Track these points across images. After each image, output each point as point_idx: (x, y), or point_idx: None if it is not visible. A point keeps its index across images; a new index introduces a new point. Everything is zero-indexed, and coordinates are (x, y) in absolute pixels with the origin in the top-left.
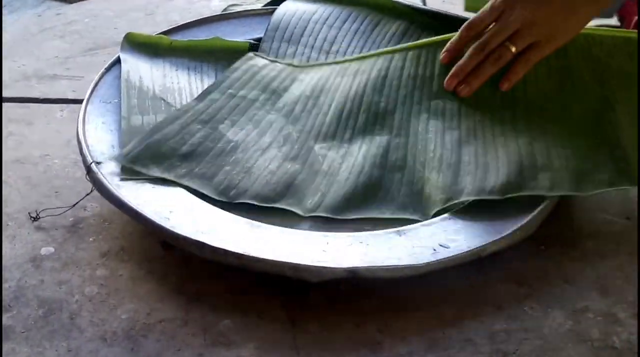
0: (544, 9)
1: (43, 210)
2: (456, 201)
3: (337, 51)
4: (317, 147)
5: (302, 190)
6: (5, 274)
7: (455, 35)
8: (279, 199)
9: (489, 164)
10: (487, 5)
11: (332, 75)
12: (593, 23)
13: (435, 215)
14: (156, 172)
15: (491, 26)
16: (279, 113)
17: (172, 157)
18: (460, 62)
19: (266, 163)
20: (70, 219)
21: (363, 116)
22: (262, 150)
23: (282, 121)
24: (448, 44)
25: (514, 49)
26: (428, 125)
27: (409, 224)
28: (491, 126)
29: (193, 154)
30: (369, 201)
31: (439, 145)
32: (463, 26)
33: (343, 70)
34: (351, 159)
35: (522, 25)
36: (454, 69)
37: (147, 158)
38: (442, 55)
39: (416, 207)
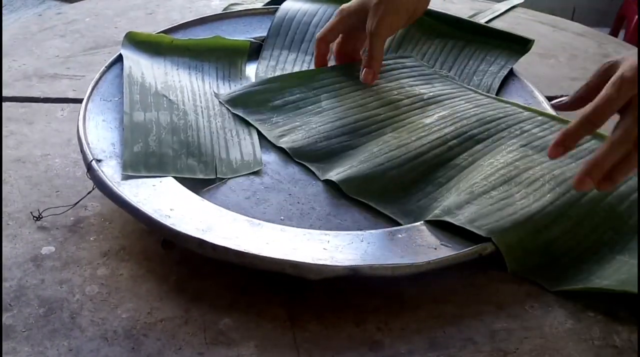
0: None
1: (45, 210)
2: (441, 218)
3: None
4: (387, 135)
5: (338, 160)
6: (5, 274)
7: (569, 129)
8: (312, 157)
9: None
10: (606, 96)
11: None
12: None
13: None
14: (242, 113)
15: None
16: (371, 96)
17: (263, 105)
18: (598, 158)
19: (326, 130)
20: (71, 219)
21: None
22: (334, 121)
23: (374, 105)
24: (562, 136)
25: None
26: (497, 159)
27: (409, 223)
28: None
29: (282, 108)
30: (384, 195)
31: (481, 175)
32: (577, 123)
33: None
34: (400, 156)
35: None
36: (587, 166)
37: (242, 103)
38: (554, 150)
39: (417, 217)
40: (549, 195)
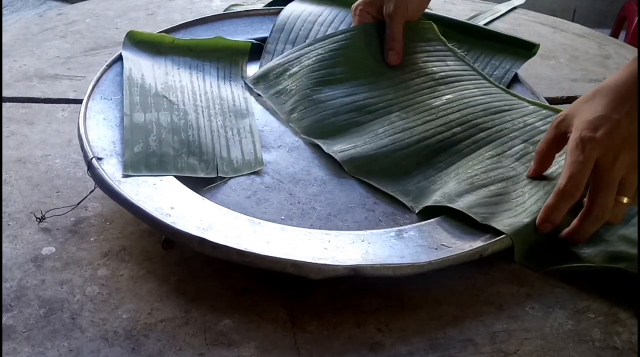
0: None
1: (48, 211)
2: (441, 204)
3: None
4: (393, 115)
5: (343, 137)
6: (6, 274)
7: (550, 203)
8: (319, 134)
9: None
10: (575, 162)
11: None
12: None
13: (435, 215)
14: (262, 89)
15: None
16: (383, 71)
17: (281, 75)
18: (551, 204)
19: (335, 106)
20: (72, 219)
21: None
22: (343, 96)
23: (384, 84)
24: (546, 213)
25: (625, 200)
26: (502, 155)
27: (410, 223)
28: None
29: (297, 74)
30: (385, 176)
31: (482, 169)
32: (556, 196)
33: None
34: (404, 139)
35: (627, 171)
36: (544, 213)
37: (263, 78)
38: (542, 227)
39: (416, 198)
40: (543, 194)
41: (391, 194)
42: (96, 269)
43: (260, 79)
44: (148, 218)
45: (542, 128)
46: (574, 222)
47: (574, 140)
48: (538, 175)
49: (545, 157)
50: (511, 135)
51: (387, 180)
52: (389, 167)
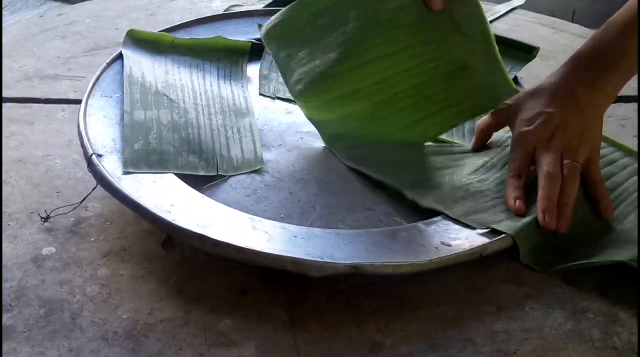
0: (575, 117)
1: (52, 210)
2: (438, 209)
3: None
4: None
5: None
6: (6, 274)
7: (507, 185)
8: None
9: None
10: (519, 151)
11: None
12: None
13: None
14: (275, 48)
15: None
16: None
17: (300, 30)
18: (544, 193)
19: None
20: (72, 219)
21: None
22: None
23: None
24: (511, 193)
25: (570, 163)
26: (492, 159)
27: (410, 222)
28: None
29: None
30: (381, 168)
31: (477, 177)
32: (508, 180)
33: None
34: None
35: (564, 148)
36: (543, 204)
37: (279, 33)
38: (512, 203)
39: (413, 187)
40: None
41: (389, 184)
42: (96, 269)
43: (274, 32)
44: (148, 215)
45: None
46: (541, 202)
47: (516, 135)
48: (478, 147)
49: (484, 135)
50: (504, 138)
51: (383, 171)
52: (384, 162)
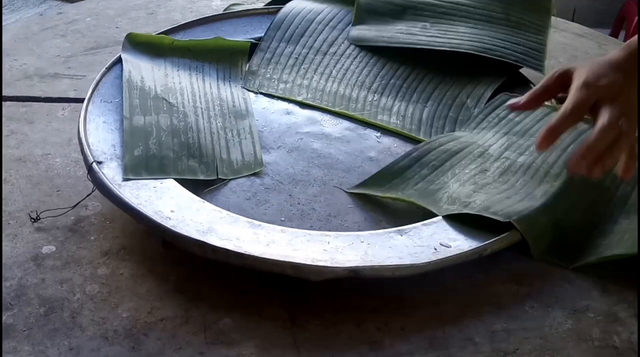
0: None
1: (45, 210)
2: (457, 212)
3: (335, 52)
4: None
5: None
6: (6, 273)
7: (552, 124)
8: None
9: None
10: (578, 95)
11: None
12: None
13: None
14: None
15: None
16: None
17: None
18: (591, 143)
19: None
20: (72, 218)
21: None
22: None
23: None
24: (546, 132)
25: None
26: (488, 150)
27: (409, 223)
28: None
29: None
30: (379, 182)
31: (478, 168)
32: (560, 117)
33: None
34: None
35: (624, 113)
36: (581, 151)
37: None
38: (540, 143)
39: (418, 198)
40: (546, 179)
41: (392, 198)
42: (96, 268)
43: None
44: (148, 222)
45: (516, 119)
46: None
47: (578, 83)
48: (520, 109)
49: (536, 98)
50: (492, 131)
51: (383, 186)
52: (381, 173)
